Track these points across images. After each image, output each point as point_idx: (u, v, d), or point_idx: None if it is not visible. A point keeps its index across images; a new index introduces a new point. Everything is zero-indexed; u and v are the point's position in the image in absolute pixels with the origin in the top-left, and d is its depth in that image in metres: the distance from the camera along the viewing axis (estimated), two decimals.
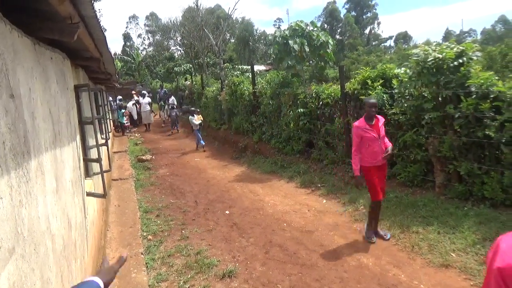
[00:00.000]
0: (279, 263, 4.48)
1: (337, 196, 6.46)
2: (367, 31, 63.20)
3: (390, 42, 60.45)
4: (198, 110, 13.58)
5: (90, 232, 3.77)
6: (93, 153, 4.79)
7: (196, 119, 12.56)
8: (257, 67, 27.60)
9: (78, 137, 3.56)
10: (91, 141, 4.67)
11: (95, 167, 4.68)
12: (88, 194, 3.66)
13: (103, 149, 5.48)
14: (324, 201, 6.43)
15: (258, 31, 53.94)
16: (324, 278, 4.05)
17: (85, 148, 4.31)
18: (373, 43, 56.80)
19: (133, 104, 18.85)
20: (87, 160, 4.13)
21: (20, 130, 1.71)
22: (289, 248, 4.85)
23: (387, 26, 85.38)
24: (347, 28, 59.10)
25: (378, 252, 4.50)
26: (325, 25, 58.62)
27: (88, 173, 4.56)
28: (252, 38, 50.70)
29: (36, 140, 1.99)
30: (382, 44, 57.74)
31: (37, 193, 1.89)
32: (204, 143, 12.40)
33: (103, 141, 5.25)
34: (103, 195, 3.69)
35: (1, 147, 1.45)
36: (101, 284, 1.26)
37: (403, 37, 61.76)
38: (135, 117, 19.05)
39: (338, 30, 60.75)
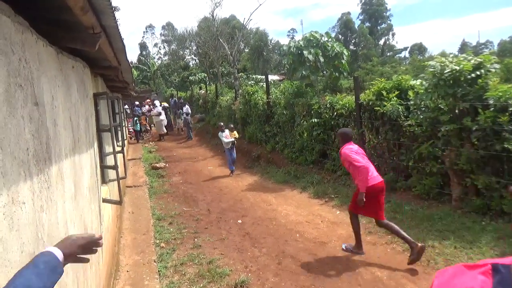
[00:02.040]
0: (292, 274, 4.44)
1: None
2: (381, 42, 63.00)
3: (405, 53, 60.17)
4: (232, 125, 10.83)
5: (104, 238, 3.81)
6: (109, 160, 4.86)
7: (226, 136, 10.04)
8: (271, 77, 27.73)
9: (95, 144, 3.62)
10: (108, 148, 4.74)
11: (111, 173, 4.75)
12: (104, 200, 3.71)
13: (119, 156, 5.56)
14: (338, 212, 6.37)
15: (272, 41, 54.34)
16: None
17: (101, 155, 4.37)
18: (388, 54, 56.57)
19: (162, 108, 18.44)
20: (103, 167, 4.18)
21: (43, 137, 1.75)
22: (302, 259, 4.80)
23: (402, 37, 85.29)
24: (361, 39, 59.06)
25: (393, 265, 4.42)
26: (340, 36, 58.69)
27: (104, 180, 4.62)
28: (266, 48, 51.07)
29: (57, 147, 2.03)
30: (397, 55, 57.49)
31: (57, 199, 1.93)
32: (233, 168, 10.05)
33: (119, 148, 5.32)
34: (119, 202, 3.73)
35: (24, 153, 1.49)
36: (60, 254, 1.15)
37: (418, 48, 61.36)
38: (165, 123, 18.52)
39: (353, 41, 60.74)
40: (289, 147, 9.66)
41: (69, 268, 2.09)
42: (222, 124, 10.54)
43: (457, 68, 5.20)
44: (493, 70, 5.23)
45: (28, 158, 1.53)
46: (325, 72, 10.28)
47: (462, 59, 5.40)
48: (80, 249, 1.24)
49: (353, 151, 4.72)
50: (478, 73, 5.20)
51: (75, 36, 2.39)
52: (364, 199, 4.50)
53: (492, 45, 58.90)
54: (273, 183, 8.71)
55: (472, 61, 5.30)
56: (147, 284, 4.31)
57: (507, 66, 19.69)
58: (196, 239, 5.69)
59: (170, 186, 9.25)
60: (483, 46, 59.11)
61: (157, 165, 11.51)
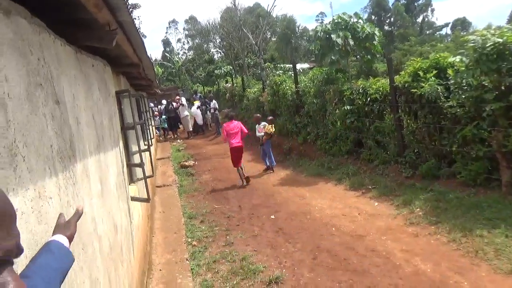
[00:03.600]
0: (328, 269, 4.45)
1: (390, 198, 6.29)
2: (419, 19, 60.95)
3: (446, 30, 57.94)
4: (271, 117, 10.14)
5: (135, 236, 3.98)
6: (136, 159, 5.05)
7: (259, 130, 9.82)
8: (300, 65, 27.59)
9: (121, 143, 3.78)
10: (134, 147, 4.92)
11: (139, 173, 4.93)
12: (133, 198, 3.87)
13: (146, 155, 5.75)
14: (376, 203, 6.29)
15: (300, 28, 53.88)
16: (377, 286, 3.97)
17: (128, 153, 4.55)
18: (427, 32, 54.71)
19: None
20: (130, 166, 4.36)
21: (66, 134, 1.87)
22: (338, 253, 4.80)
23: (442, 13, 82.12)
24: (397, 17, 57.42)
25: (437, 258, 4.34)
26: (372, 17, 57.29)
27: (132, 179, 4.81)
28: (294, 36, 50.70)
29: (80, 145, 2.16)
30: (437, 33, 55.47)
31: (83, 195, 2.05)
32: (269, 164, 9.69)
33: (146, 147, 5.51)
34: (147, 200, 3.88)
35: (49, 150, 1.61)
36: (66, 241, 1.21)
37: (461, 23, 58.85)
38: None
39: (387, 21, 59.17)
40: (322, 137, 9.60)
41: (100, 264, 2.23)
42: (258, 115, 10.37)
43: (500, 40, 4.99)
44: None
45: (53, 155, 1.64)
46: (358, 56, 10.11)
47: (506, 30, 5.17)
48: (76, 226, 1.33)
49: (229, 125, 8.84)
50: None
51: (92, 34, 2.51)
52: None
53: None
54: (306, 176, 8.70)
55: None
56: (180, 282, 4.47)
57: None
58: (228, 237, 5.80)
59: (200, 184, 9.45)
60: None
61: (186, 163, 11.77)
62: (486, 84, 5.39)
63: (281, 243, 5.36)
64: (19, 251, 0.68)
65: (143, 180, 4.33)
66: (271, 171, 9.68)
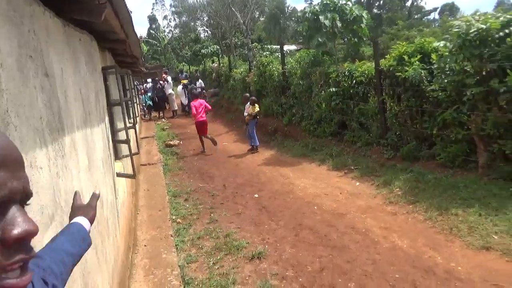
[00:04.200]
0: (309, 245, 4.62)
1: (371, 178, 6.48)
2: (408, 3, 60.82)
3: (435, 15, 57.91)
4: (253, 97, 10.29)
5: (121, 212, 4.05)
6: (122, 136, 5.07)
7: (246, 110, 10.10)
8: (287, 47, 27.39)
9: (107, 119, 3.80)
10: (120, 124, 4.94)
11: (124, 150, 4.96)
12: (118, 174, 3.92)
13: (131, 132, 5.77)
14: (357, 183, 6.47)
15: (289, 8, 53.26)
16: (355, 260, 4.15)
17: (113, 130, 4.57)
18: (415, 16, 54.67)
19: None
20: (116, 142, 4.39)
21: (54, 107, 1.91)
22: (319, 230, 4.97)
23: None
24: (386, 1, 57.16)
25: (414, 234, 4.54)
26: None
27: (117, 156, 4.84)
28: (283, 16, 50.15)
29: (68, 118, 2.20)
30: (426, 17, 55.46)
31: (71, 168, 2.10)
32: (253, 144, 9.95)
33: (131, 124, 5.53)
34: (133, 176, 3.94)
35: (39, 122, 1.65)
36: (88, 224, 1.25)
37: (449, 9, 58.90)
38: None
39: (376, 4, 58.88)
40: (307, 119, 9.72)
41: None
42: (247, 95, 10.65)
43: (484, 27, 5.12)
44: None
45: (42, 127, 1.69)
46: (345, 39, 10.14)
47: (490, 17, 5.29)
48: (96, 209, 1.38)
49: (195, 103, 10.41)
50: (507, 31, 5.10)
51: (81, 7, 2.51)
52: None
53: None
54: (290, 156, 8.84)
55: (501, 19, 5.19)
56: (165, 257, 4.57)
57: None
58: (212, 214, 5.91)
59: (184, 163, 9.51)
60: None
61: (171, 142, 11.78)
62: (468, 69, 5.54)
63: (264, 221, 5.50)
64: (26, 196, 0.68)
65: (129, 157, 4.38)
66: (256, 151, 9.78)
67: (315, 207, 5.75)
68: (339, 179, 6.85)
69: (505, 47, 5.06)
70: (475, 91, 5.34)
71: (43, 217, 1.58)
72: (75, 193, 1.41)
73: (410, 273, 3.79)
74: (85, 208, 1.34)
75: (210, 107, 11.09)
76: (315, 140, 9.10)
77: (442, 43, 6.12)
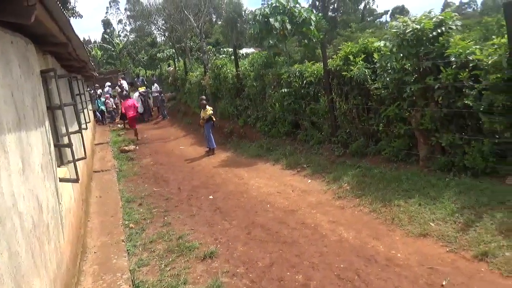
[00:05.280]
0: (261, 242, 4.72)
1: (322, 175, 6.70)
2: (361, 6, 62.93)
3: (386, 17, 60.34)
4: (203, 101, 10.26)
5: (66, 218, 3.97)
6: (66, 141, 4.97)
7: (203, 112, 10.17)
8: (246, 50, 27.61)
9: (47, 123, 3.73)
10: (64, 129, 4.83)
11: (70, 155, 4.86)
12: (62, 180, 3.85)
13: (77, 137, 5.66)
14: (309, 181, 6.67)
15: (247, 12, 53.58)
16: (304, 253, 4.30)
17: (57, 135, 4.48)
18: (368, 19, 56.72)
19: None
20: (59, 146, 4.30)
21: None
22: (271, 228, 5.09)
23: (383, 1, 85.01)
24: (340, 4, 58.83)
25: (359, 226, 4.76)
26: (317, 2, 58.29)
27: (62, 161, 4.74)
28: (240, 19, 50.40)
29: None
30: (378, 20, 57.69)
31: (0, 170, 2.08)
32: (210, 146, 10.02)
33: (77, 128, 5.43)
34: (76, 180, 3.88)
35: None
36: None
37: (400, 11, 61.56)
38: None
39: (331, 7, 60.43)
40: (261, 120, 9.88)
41: (21, 239, 2.27)
42: (203, 97, 10.68)
43: (418, 27, 5.44)
44: (454, 27, 5.49)
45: None
46: (301, 41, 10.37)
47: (423, 17, 5.64)
48: None
49: (126, 103, 13.79)
50: (439, 31, 5.46)
51: (9, 8, 2.48)
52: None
53: (476, 4, 59.80)
54: (246, 157, 8.95)
55: (434, 19, 5.54)
56: (115, 262, 4.52)
57: (486, 25, 20.18)
58: (166, 218, 5.90)
59: (140, 168, 9.39)
60: (466, 5, 59.94)
61: (126, 148, 11.59)
62: (407, 67, 5.87)
63: (218, 221, 5.56)
64: None
65: (77, 162, 4.30)
66: (212, 154, 9.83)
67: (268, 205, 5.88)
68: (292, 177, 7.03)
69: (438, 46, 5.42)
70: (414, 88, 5.66)
71: None
72: None
73: (354, 262, 3.99)
74: None
75: (138, 105, 15.07)
76: (270, 141, 9.26)
77: (382, 43, 6.45)
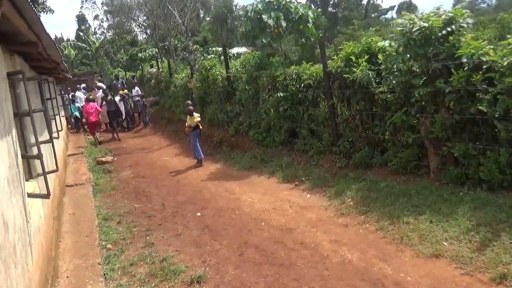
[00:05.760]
0: (254, 265, 4.72)
1: (323, 189, 6.73)
2: (365, 1, 63.71)
3: (392, 14, 61.09)
4: (190, 106, 10.30)
5: (35, 238, 3.93)
6: (36, 152, 4.93)
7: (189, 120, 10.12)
8: (237, 49, 27.75)
9: (14, 132, 3.72)
10: (33, 138, 4.81)
11: (40, 167, 4.83)
12: (30, 195, 3.82)
13: (48, 146, 5.63)
14: (308, 195, 6.69)
15: (238, 7, 53.97)
16: (303, 277, 4.30)
17: (25, 144, 4.46)
18: (372, 15, 57.34)
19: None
20: (27, 158, 4.28)
21: None
22: (266, 248, 5.09)
23: None
24: None
25: (364, 246, 4.77)
26: None
27: (31, 174, 4.71)
28: (231, 16, 50.73)
29: None
30: (383, 16, 58.34)
31: None
32: (197, 157, 10.04)
33: (48, 137, 5.40)
34: (47, 196, 3.86)
35: None
36: None
37: (407, 7, 62.37)
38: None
39: (331, 2, 61.11)
40: (255, 127, 9.90)
41: None
42: (189, 102, 10.86)
43: (426, 25, 5.52)
44: (465, 25, 5.58)
45: None
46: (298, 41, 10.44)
47: (432, 15, 5.72)
48: None
49: (87, 107, 14.70)
50: (449, 29, 5.54)
51: None
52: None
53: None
54: (237, 169, 8.96)
55: (443, 17, 5.63)
56: None
57: (501, 22, 20.59)
58: (148, 237, 5.87)
59: (119, 182, 9.35)
60: (479, 0, 60.86)
61: (103, 159, 11.54)
62: (415, 69, 5.94)
63: (207, 241, 5.55)
64: None
65: (47, 175, 4.27)
66: (200, 165, 9.83)
67: (263, 223, 5.88)
68: (289, 192, 7.04)
69: (448, 46, 5.50)
70: (422, 92, 5.72)
71: None
72: None
73: (359, 287, 3.99)
74: None
75: (100, 109, 15.28)
76: (264, 151, 9.28)
77: (387, 43, 6.52)
